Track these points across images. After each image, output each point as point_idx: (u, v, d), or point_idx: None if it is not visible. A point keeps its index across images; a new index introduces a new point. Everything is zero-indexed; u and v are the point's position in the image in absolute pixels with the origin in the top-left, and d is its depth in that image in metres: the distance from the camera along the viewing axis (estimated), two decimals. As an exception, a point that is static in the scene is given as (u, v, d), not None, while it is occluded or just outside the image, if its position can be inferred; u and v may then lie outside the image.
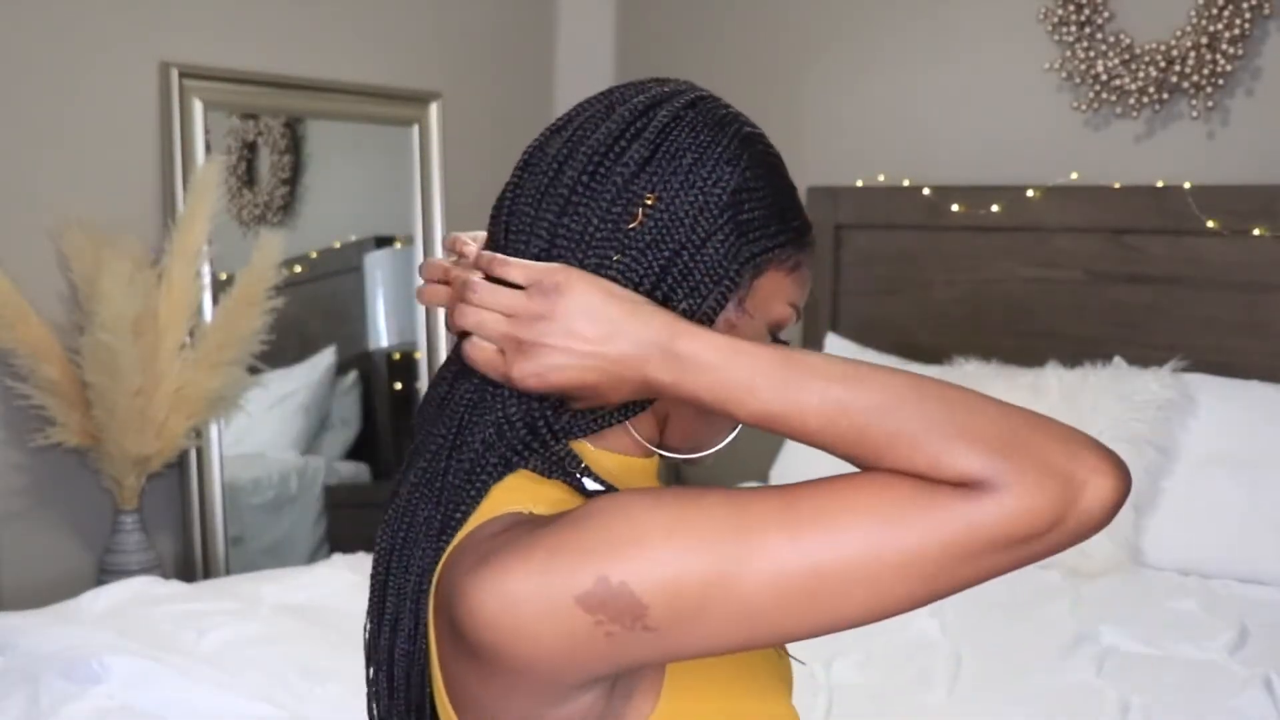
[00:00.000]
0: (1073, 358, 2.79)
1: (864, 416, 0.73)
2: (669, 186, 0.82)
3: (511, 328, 0.78)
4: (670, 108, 0.85)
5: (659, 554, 0.71)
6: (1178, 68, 2.80)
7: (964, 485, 0.71)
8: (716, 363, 0.76)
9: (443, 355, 3.50)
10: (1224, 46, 2.74)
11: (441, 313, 3.67)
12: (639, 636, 0.72)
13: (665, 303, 0.82)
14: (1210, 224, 2.74)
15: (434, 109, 3.46)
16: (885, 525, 0.71)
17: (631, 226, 0.82)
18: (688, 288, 0.82)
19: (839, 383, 0.74)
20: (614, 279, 0.81)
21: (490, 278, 0.81)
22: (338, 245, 3.55)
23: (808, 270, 0.90)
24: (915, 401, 0.73)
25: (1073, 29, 2.94)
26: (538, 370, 0.78)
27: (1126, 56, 2.88)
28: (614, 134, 0.84)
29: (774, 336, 0.89)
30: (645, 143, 0.83)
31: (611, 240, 0.82)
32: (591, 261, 0.81)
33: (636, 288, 0.81)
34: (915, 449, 0.72)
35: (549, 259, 0.82)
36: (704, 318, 0.83)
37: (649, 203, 0.82)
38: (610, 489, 0.81)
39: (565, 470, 0.82)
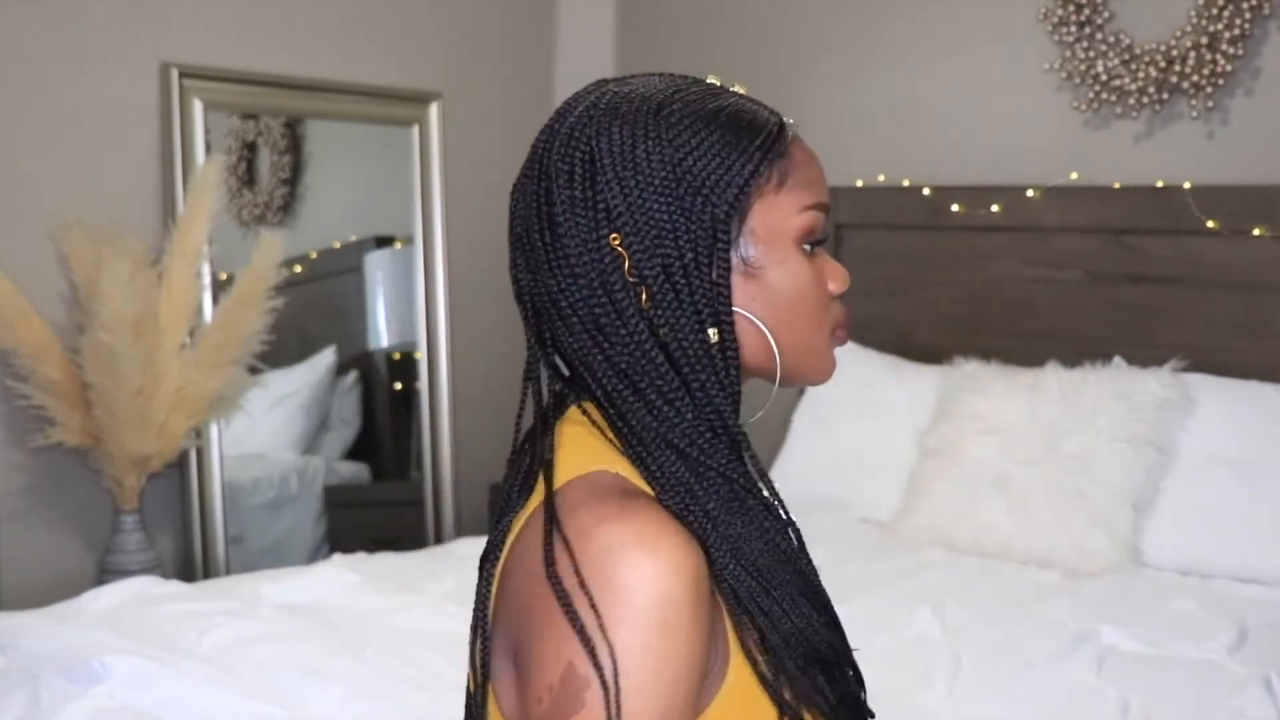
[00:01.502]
0: (1073, 358, 2.79)
1: None
2: (618, 201, 0.83)
3: None
4: (588, 132, 0.85)
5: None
6: (1178, 68, 2.80)
7: None
8: None
9: (443, 355, 3.51)
10: (1224, 46, 2.74)
11: (442, 313, 3.66)
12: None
13: (676, 298, 0.83)
14: (1210, 224, 2.74)
15: (434, 109, 3.46)
16: None
17: (627, 270, 0.83)
18: (688, 278, 0.83)
19: None
20: (612, 304, 0.83)
21: None
22: (338, 245, 3.55)
23: (801, 166, 0.88)
24: None
25: (1073, 29, 2.94)
26: None
27: (1126, 56, 2.88)
28: (545, 183, 0.85)
29: (812, 245, 0.88)
30: (579, 176, 0.84)
31: (606, 275, 0.83)
32: (591, 297, 0.83)
33: (633, 297, 0.83)
34: None
35: (566, 317, 0.85)
36: (721, 291, 0.83)
37: (615, 243, 0.83)
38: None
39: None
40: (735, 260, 0.85)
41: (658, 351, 0.83)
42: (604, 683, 0.75)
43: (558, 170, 0.84)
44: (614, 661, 0.75)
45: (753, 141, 0.85)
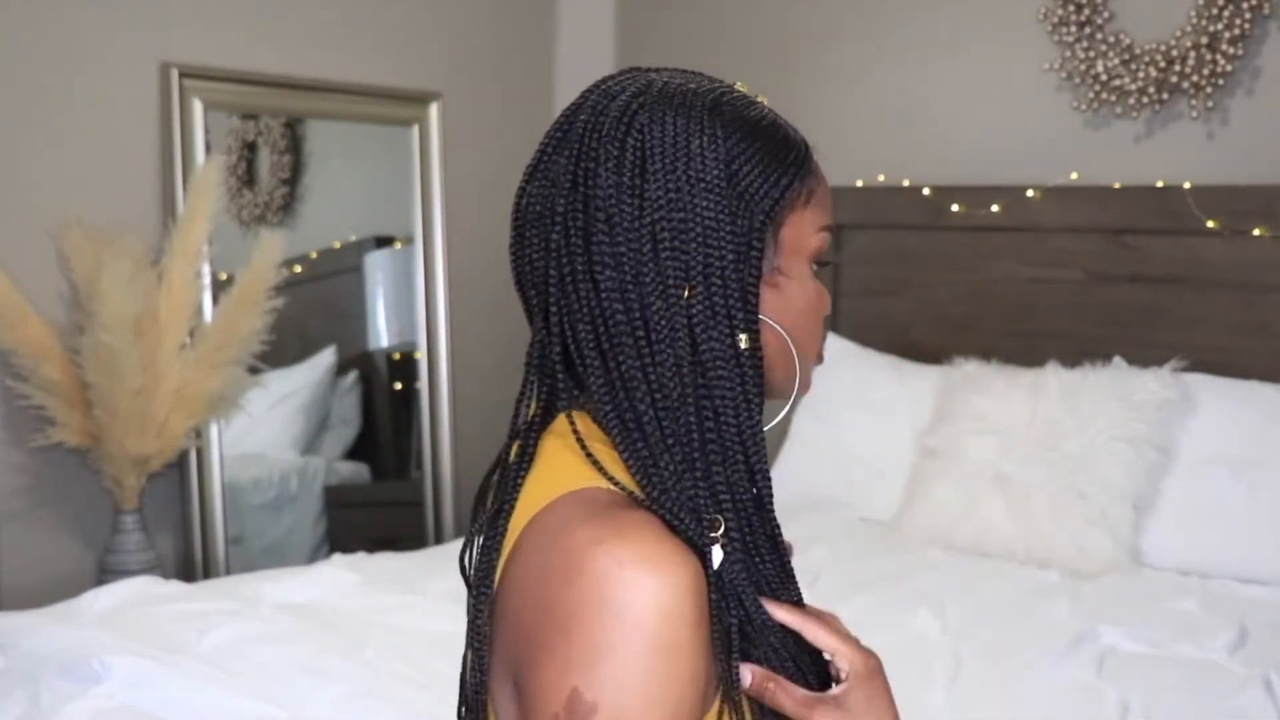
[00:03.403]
0: (1073, 358, 2.79)
1: None
2: (667, 193, 0.82)
3: None
4: (641, 119, 0.84)
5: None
6: (1178, 68, 2.80)
7: None
8: None
9: (443, 355, 3.51)
10: (1224, 46, 2.74)
11: (442, 313, 3.64)
12: None
13: (710, 298, 0.82)
14: (1210, 224, 2.74)
15: (434, 109, 3.46)
16: None
17: (665, 254, 0.82)
18: (725, 280, 0.82)
19: None
20: (649, 296, 0.81)
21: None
22: (338, 245, 3.55)
23: (823, 186, 0.89)
24: None
25: (1073, 29, 2.94)
26: None
27: (1126, 56, 2.88)
28: (588, 164, 0.83)
29: (820, 264, 0.90)
30: (629, 162, 0.83)
31: (645, 265, 0.82)
32: (630, 286, 0.82)
33: (674, 291, 0.82)
34: None
35: (595, 307, 0.83)
36: (750, 299, 0.83)
37: (663, 230, 0.82)
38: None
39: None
40: (766, 269, 0.85)
41: (689, 351, 0.82)
42: (609, 707, 0.74)
43: (606, 154, 0.83)
44: (617, 686, 0.74)
45: (789, 155, 0.86)
